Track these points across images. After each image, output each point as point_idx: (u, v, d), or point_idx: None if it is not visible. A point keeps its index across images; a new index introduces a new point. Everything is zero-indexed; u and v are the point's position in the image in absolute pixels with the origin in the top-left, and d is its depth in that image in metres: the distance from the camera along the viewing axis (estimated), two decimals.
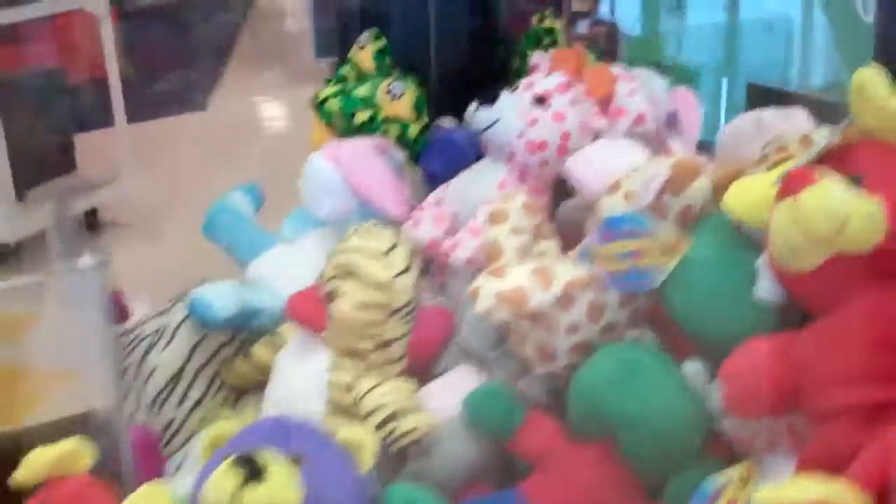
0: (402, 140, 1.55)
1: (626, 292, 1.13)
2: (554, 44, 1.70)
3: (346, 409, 1.26)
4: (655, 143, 1.43)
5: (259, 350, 1.44)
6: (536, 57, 1.47)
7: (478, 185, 1.38)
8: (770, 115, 1.29)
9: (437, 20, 1.72)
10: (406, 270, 1.28)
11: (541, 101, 1.37)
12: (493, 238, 1.19)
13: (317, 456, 1.02)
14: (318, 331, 1.29)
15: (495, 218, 1.19)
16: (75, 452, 1.15)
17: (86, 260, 1.29)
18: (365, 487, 1.04)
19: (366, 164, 1.41)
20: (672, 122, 1.56)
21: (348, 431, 1.05)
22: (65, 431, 1.32)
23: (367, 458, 1.04)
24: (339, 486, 1.01)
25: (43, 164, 2.91)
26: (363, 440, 1.04)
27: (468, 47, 1.75)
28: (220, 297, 1.39)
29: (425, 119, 1.57)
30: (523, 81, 1.41)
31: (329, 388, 1.28)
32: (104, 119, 3.05)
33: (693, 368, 1.11)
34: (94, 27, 2.94)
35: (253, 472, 0.95)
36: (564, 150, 1.36)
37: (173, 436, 1.45)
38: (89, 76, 3.57)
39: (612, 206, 1.15)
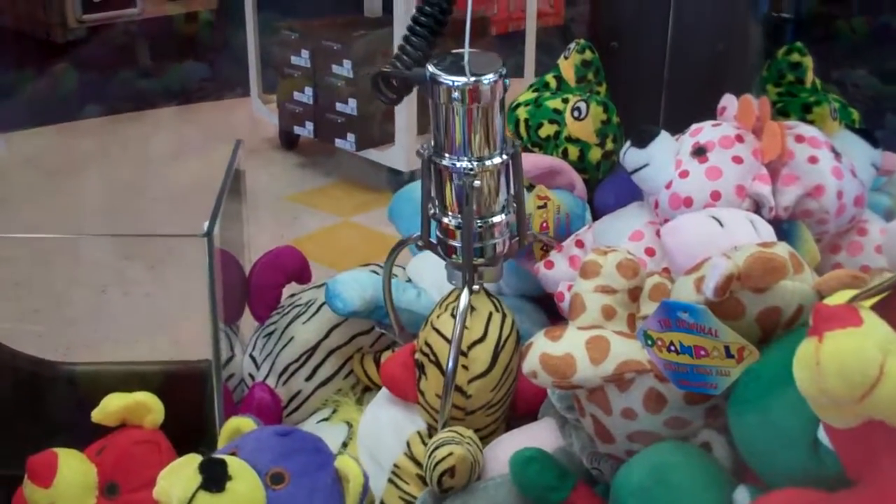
0: (581, 164, 1.44)
1: (684, 391, 0.99)
2: (799, 83, 1.48)
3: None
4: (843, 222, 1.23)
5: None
6: (726, 99, 1.30)
7: (618, 230, 1.25)
8: None
9: (674, 37, 1.58)
10: (480, 340, 1.20)
11: (699, 151, 1.21)
12: (575, 292, 1.09)
13: (302, 480, 1.00)
14: (410, 402, 1.27)
15: (585, 271, 1.08)
16: (146, 405, 1.23)
17: None
18: None
19: None
20: None
21: (341, 461, 1.02)
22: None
23: (354, 493, 1.00)
24: None
25: None
26: (351, 473, 1.01)
27: (704, 72, 1.60)
28: (349, 289, 1.39)
29: (611, 146, 1.45)
30: (693, 126, 1.26)
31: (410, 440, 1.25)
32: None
33: (741, 497, 0.95)
34: None
35: (213, 479, 0.95)
36: None
37: (296, 408, 1.49)
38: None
39: (679, 290, 1.00)
